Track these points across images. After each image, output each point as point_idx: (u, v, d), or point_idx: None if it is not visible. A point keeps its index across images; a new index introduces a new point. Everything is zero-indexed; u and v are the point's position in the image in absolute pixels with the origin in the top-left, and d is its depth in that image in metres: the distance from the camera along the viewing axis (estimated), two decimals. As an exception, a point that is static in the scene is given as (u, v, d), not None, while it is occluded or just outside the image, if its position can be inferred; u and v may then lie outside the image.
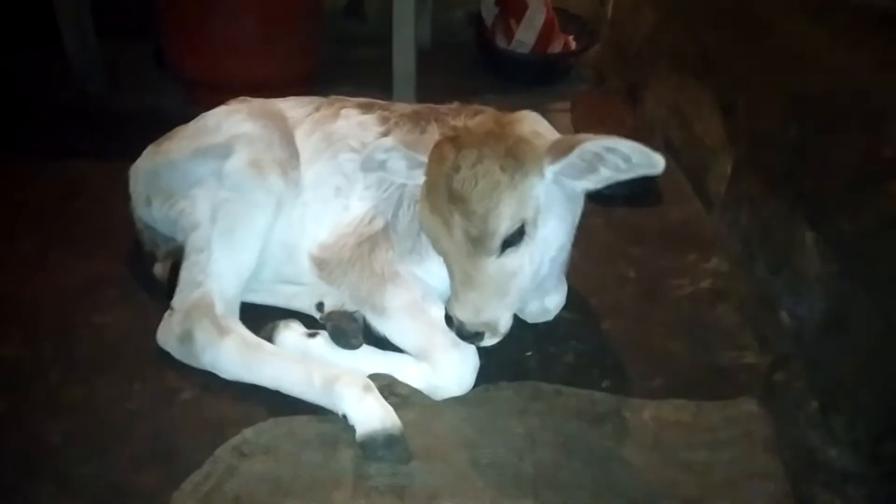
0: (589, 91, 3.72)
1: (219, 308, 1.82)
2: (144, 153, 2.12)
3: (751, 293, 2.11)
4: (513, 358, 1.91)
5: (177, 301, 1.86)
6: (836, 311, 1.72)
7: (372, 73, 3.48)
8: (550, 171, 1.54)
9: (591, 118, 3.13)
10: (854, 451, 1.57)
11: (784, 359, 1.87)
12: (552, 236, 1.62)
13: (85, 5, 3.34)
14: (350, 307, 1.91)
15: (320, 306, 1.97)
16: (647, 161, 1.44)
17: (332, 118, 2.08)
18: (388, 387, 1.72)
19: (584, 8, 4.04)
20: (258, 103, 2.13)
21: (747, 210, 2.22)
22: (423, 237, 1.76)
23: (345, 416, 1.64)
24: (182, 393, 1.79)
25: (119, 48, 3.67)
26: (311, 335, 1.87)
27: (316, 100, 2.18)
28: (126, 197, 2.14)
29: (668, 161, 2.90)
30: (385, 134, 1.97)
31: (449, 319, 1.60)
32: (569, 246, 1.81)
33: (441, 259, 1.65)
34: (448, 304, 1.60)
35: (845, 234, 1.70)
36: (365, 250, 1.91)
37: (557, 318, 2.04)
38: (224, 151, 1.95)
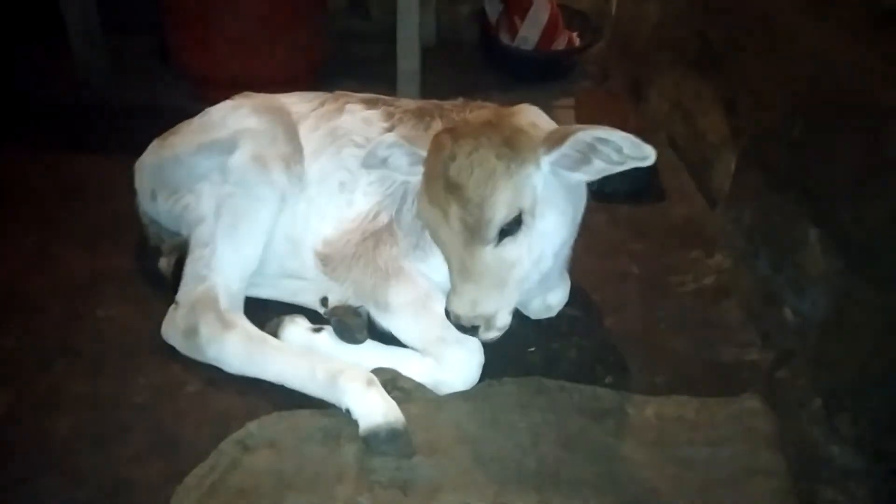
0: (593, 88, 3.72)
1: (223, 302, 1.83)
2: (149, 148, 2.12)
3: (754, 290, 2.11)
4: (516, 354, 1.91)
5: (181, 295, 1.87)
6: (839, 308, 1.72)
7: (376, 69, 3.48)
8: (546, 161, 1.54)
9: (595, 115, 3.12)
10: (857, 448, 1.57)
11: (787, 355, 1.87)
12: (553, 230, 1.62)
13: (91, 1, 3.34)
14: (354, 302, 1.91)
15: (325, 301, 1.97)
16: (638, 152, 1.45)
17: (336, 114, 2.08)
18: (391, 381, 1.73)
19: (588, 4, 4.03)
20: (262, 98, 2.13)
21: (751, 206, 2.22)
22: (428, 233, 1.76)
23: (348, 411, 1.65)
24: (186, 387, 1.80)
25: (124, 43, 3.68)
26: (316, 330, 1.87)
27: (320, 95, 2.18)
28: (131, 191, 2.15)
29: (671, 157, 2.92)
30: (389, 130, 1.97)
31: (448, 313, 1.60)
32: (571, 241, 1.81)
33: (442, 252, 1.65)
34: (447, 298, 1.61)
35: (849, 231, 1.70)
36: (369, 246, 1.91)
37: (560, 314, 2.05)
38: (228, 146, 1.96)
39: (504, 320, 1.60)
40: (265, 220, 1.93)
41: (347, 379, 1.67)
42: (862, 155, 1.69)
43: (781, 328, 1.93)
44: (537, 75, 3.76)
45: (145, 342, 1.90)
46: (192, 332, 1.80)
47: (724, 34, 2.58)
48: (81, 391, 1.78)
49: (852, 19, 1.86)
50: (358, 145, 1.98)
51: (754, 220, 2.19)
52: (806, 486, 1.58)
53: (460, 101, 2.00)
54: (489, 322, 1.57)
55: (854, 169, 1.71)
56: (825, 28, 1.96)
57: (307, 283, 2.03)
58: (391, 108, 2.05)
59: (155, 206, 2.09)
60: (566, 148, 1.51)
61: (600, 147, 1.49)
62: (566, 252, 1.86)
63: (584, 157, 1.52)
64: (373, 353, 1.82)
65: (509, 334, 1.63)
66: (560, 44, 3.79)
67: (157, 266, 2.09)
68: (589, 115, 3.14)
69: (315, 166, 2.02)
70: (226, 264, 1.87)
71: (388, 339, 1.86)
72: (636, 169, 1.50)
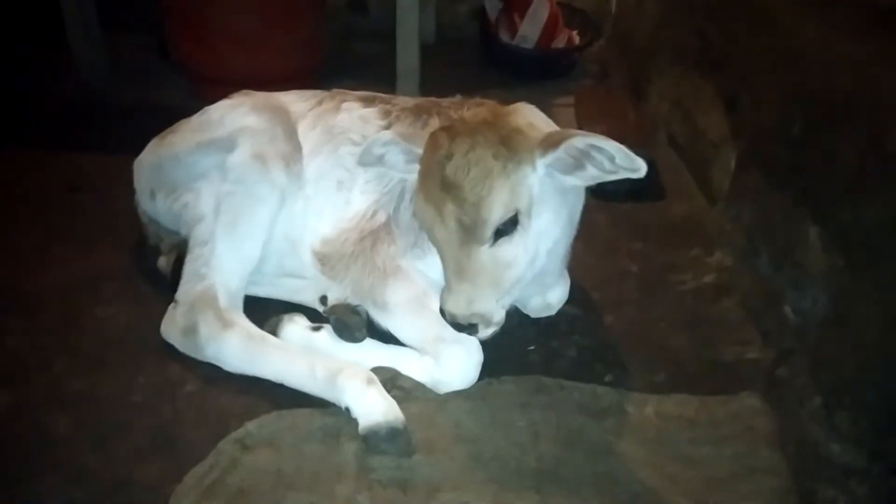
0: (593, 86, 3.71)
1: (222, 301, 1.83)
2: (148, 146, 2.12)
3: (754, 288, 2.11)
4: (515, 352, 1.91)
5: (180, 294, 1.86)
6: (839, 306, 1.72)
7: (376, 67, 3.48)
8: (542, 163, 1.54)
9: (595, 113, 3.12)
10: (857, 447, 1.57)
11: (787, 354, 1.87)
12: (547, 229, 1.62)
13: (89, -2, 3.34)
14: (353, 301, 1.91)
15: (324, 300, 1.97)
16: (630, 164, 1.46)
17: (333, 112, 2.07)
18: (391, 380, 1.73)
19: (588, 3, 4.03)
20: (261, 97, 2.13)
21: (750, 205, 2.22)
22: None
23: (348, 409, 1.65)
24: (185, 385, 1.80)
25: (123, 41, 3.67)
26: (316, 329, 1.87)
27: (319, 93, 2.18)
28: (130, 190, 2.15)
29: (671, 156, 2.91)
30: (386, 128, 1.97)
31: (443, 312, 1.60)
32: (567, 240, 1.81)
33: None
34: (442, 296, 1.60)
35: (849, 229, 1.70)
36: (367, 245, 1.91)
37: (560, 312, 2.04)
38: (228, 145, 1.96)
39: (499, 317, 1.59)
40: (265, 218, 1.93)
41: (347, 377, 1.67)
42: (862, 153, 1.69)
43: (781, 326, 1.93)
44: (537, 74, 3.75)
45: (144, 341, 1.90)
46: (191, 331, 1.80)
47: (724, 33, 2.57)
48: (80, 390, 1.78)
49: (851, 17, 1.86)
50: (355, 143, 1.98)
51: (754, 219, 2.19)
52: (805, 485, 1.58)
53: (458, 98, 2.00)
54: (485, 320, 1.57)
55: (854, 167, 1.71)
56: (825, 27, 1.96)
57: (306, 281, 2.03)
58: (388, 106, 2.05)
59: (154, 204, 2.08)
60: (560, 152, 1.51)
61: (594, 154, 1.50)
62: (564, 250, 1.86)
63: (578, 162, 1.53)
64: (372, 352, 1.82)
65: (508, 333, 1.63)
66: (560, 42, 3.78)
67: (156, 265, 2.09)
68: (589, 114, 3.13)
69: (313, 165, 2.01)
70: (225, 263, 1.87)
71: (388, 337, 1.86)
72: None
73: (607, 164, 1.49)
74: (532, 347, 1.95)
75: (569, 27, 3.84)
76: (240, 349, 1.77)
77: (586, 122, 3.06)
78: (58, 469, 1.58)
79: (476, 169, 1.48)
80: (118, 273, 2.16)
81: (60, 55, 3.42)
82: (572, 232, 1.83)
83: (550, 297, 2.01)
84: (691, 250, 2.37)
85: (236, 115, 2.03)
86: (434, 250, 1.70)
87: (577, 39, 3.85)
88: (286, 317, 1.90)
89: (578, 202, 1.78)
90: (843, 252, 1.72)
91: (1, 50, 3.55)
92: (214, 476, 1.54)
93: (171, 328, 1.86)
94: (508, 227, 1.53)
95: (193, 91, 3.23)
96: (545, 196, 1.58)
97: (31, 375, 1.82)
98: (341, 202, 1.99)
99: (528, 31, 3.71)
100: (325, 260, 1.97)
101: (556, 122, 1.82)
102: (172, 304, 1.87)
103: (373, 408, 1.62)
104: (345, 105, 2.08)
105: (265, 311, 1.94)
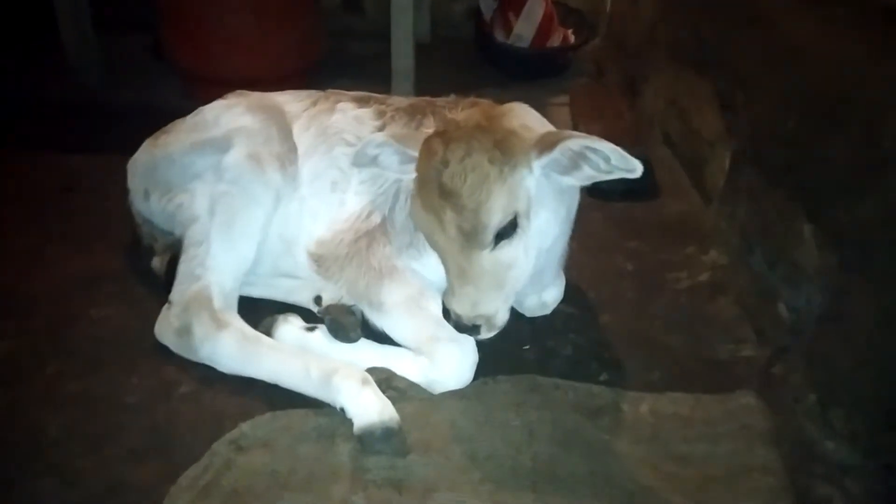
0: (588, 84, 3.71)
1: (217, 302, 1.82)
2: (142, 147, 2.11)
3: (749, 286, 2.11)
4: (511, 351, 1.91)
5: (175, 294, 1.86)
6: (834, 304, 1.72)
7: (371, 67, 3.48)
8: (537, 165, 1.54)
9: (591, 112, 3.12)
10: (852, 444, 1.57)
11: (782, 351, 1.87)
12: (545, 228, 1.62)
13: (83, -2, 3.33)
14: (348, 301, 1.91)
15: (318, 300, 1.97)
16: (625, 164, 1.47)
17: (328, 112, 2.07)
18: (385, 380, 1.72)
19: (583, 2, 4.03)
20: (256, 97, 2.13)
21: (745, 203, 2.22)
22: (422, 236, 1.76)
23: (342, 410, 1.64)
24: (180, 387, 1.79)
25: (117, 42, 3.67)
26: (310, 329, 1.87)
27: (313, 94, 2.18)
28: (124, 191, 2.14)
29: (666, 154, 2.91)
30: (381, 128, 1.97)
31: (447, 312, 1.60)
32: (564, 238, 1.82)
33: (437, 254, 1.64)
34: (445, 297, 1.60)
35: (843, 227, 1.70)
36: (362, 246, 1.91)
37: (555, 311, 2.04)
38: (223, 145, 1.95)
39: (503, 319, 1.61)
40: (260, 219, 1.93)
41: (342, 378, 1.66)
42: (856, 151, 1.69)
43: (776, 324, 1.93)
44: (532, 73, 3.75)
45: (139, 342, 1.90)
46: (185, 332, 1.80)
47: (719, 31, 2.58)
48: (75, 391, 1.77)
49: (846, 16, 1.86)
50: (349, 144, 1.97)
51: (749, 217, 2.19)
52: (801, 482, 1.58)
53: (453, 98, 2.00)
54: (489, 321, 1.58)
55: (848, 165, 1.71)
56: (819, 25, 1.96)
57: (300, 281, 2.03)
58: (383, 107, 2.04)
59: (148, 205, 2.07)
60: (556, 153, 1.52)
61: (589, 155, 1.50)
62: (561, 249, 1.86)
63: (574, 163, 1.53)
64: (367, 352, 1.81)
65: (504, 332, 1.63)
66: (555, 41, 3.79)
67: (150, 265, 2.08)
68: (584, 113, 3.14)
69: (307, 166, 2.01)
70: (220, 263, 1.87)
71: (382, 337, 1.86)
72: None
73: (603, 165, 1.50)
74: (527, 347, 1.95)
75: (564, 26, 3.84)
76: (234, 350, 1.76)
77: (581, 120, 3.06)
78: (52, 471, 1.57)
79: (473, 175, 1.48)
80: (112, 274, 2.16)
81: (54, 56, 3.41)
82: (569, 230, 1.83)
83: (546, 296, 2.01)
84: (686, 248, 2.37)
85: (231, 115, 2.02)
86: (430, 250, 1.70)
87: (572, 38, 3.85)
88: (281, 317, 1.89)
89: (574, 200, 1.78)
90: (837, 250, 1.72)
91: (-6, 50, 3.55)
92: (209, 477, 1.54)
93: (166, 329, 1.85)
94: (508, 230, 1.53)
95: (187, 91, 3.23)
96: (542, 196, 1.58)
97: (24, 376, 1.81)
98: (336, 203, 1.99)
99: (523, 30, 3.72)
100: (321, 261, 1.96)
101: (552, 121, 1.82)
102: (167, 305, 1.87)
103: (368, 408, 1.62)
104: (339, 105, 2.08)
105: (259, 312, 1.93)
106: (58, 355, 1.87)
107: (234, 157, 1.93)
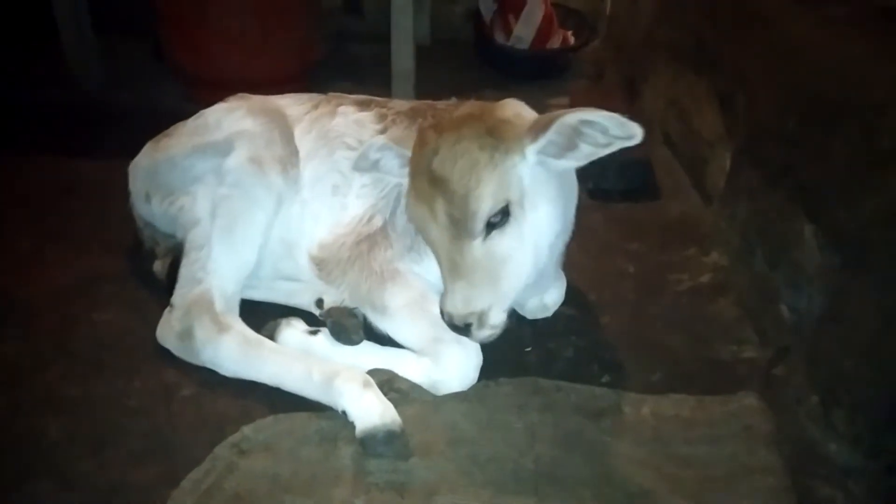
0: (588, 86, 3.71)
1: (218, 305, 1.82)
2: (144, 150, 2.12)
3: (750, 287, 2.11)
4: (512, 354, 1.91)
5: (176, 298, 1.86)
6: (835, 304, 1.72)
7: (371, 69, 3.48)
8: (532, 150, 1.53)
9: (590, 113, 3.12)
10: (854, 445, 1.57)
11: (784, 352, 1.87)
12: (545, 221, 1.60)
13: (83, 1, 3.33)
14: (350, 304, 1.91)
15: (320, 303, 1.97)
16: (624, 131, 1.43)
17: (329, 116, 2.07)
18: (387, 383, 1.72)
19: (582, 3, 4.04)
20: (258, 100, 2.13)
21: (746, 203, 2.22)
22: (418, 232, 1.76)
23: (344, 413, 1.64)
24: (181, 390, 1.79)
25: (117, 45, 3.67)
26: (313, 332, 1.86)
27: (315, 97, 2.18)
28: (125, 194, 2.14)
29: (666, 155, 2.91)
30: (382, 132, 1.96)
31: (442, 313, 1.59)
32: (566, 237, 1.81)
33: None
34: (441, 298, 1.60)
35: (844, 227, 1.70)
36: (364, 249, 1.91)
37: (556, 313, 2.04)
38: (224, 148, 1.95)
39: (498, 318, 1.58)
40: (261, 222, 1.93)
41: (344, 381, 1.66)
42: (856, 151, 1.69)
43: (778, 325, 1.93)
44: (532, 74, 3.75)
45: (140, 345, 1.90)
46: (187, 335, 1.80)
47: (718, 32, 2.58)
48: (76, 394, 1.77)
49: (846, 15, 1.86)
50: (350, 148, 1.97)
51: (750, 217, 2.19)
52: (803, 483, 1.58)
53: (453, 100, 2.00)
54: (481, 319, 1.56)
55: (849, 165, 1.71)
56: (819, 24, 1.96)
57: (302, 284, 2.03)
58: (384, 110, 2.04)
59: (149, 208, 2.08)
60: (551, 134, 1.49)
61: (586, 130, 1.47)
62: (561, 249, 1.86)
63: (571, 142, 1.51)
64: (369, 355, 1.81)
65: (505, 334, 1.63)
66: (555, 43, 3.79)
67: (151, 269, 2.08)
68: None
69: (309, 169, 2.01)
70: (221, 267, 1.87)
71: (385, 340, 1.86)
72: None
73: (601, 138, 1.47)
74: (529, 349, 1.95)
75: (563, 27, 3.84)
76: (236, 353, 1.76)
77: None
78: (53, 474, 1.57)
79: (462, 160, 1.48)
80: (113, 277, 2.16)
81: (54, 59, 3.41)
82: (570, 229, 1.82)
83: (547, 298, 2.01)
84: (687, 250, 2.37)
85: (233, 118, 2.02)
86: (431, 254, 1.70)
87: (571, 40, 3.85)
88: (284, 321, 1.89)
89: (573, 193, 1.77)
90: (838, 250, 1.72)
91: (-6, 54, 3.55)
92: (211, 481, 1.54)
93: (167, 332, 1.85)
94: (500, 220, 1.51)
95: (188, 94, 3.23)
96: (538, 186, 1.56)
97: (25, 380, 1.81)
98: (338, 206, 1.99)
99: (523, 31, 3.72)
100: (322, 264, 1.96)
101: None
102: (168, 309, 1.87)
103: (369, 411, 1.61)
104: (340, 109, 2.08)
105: (261, 315, 1.93)
106: (59, 358, 1.87)
107: (236, 160, 1.93)
